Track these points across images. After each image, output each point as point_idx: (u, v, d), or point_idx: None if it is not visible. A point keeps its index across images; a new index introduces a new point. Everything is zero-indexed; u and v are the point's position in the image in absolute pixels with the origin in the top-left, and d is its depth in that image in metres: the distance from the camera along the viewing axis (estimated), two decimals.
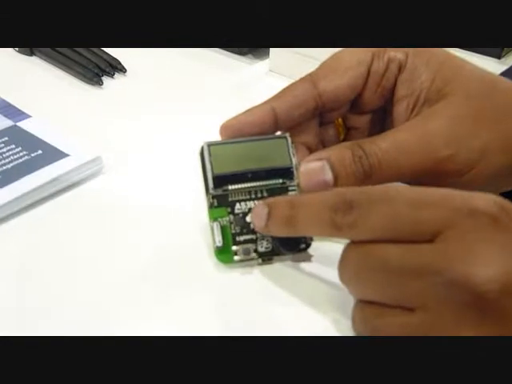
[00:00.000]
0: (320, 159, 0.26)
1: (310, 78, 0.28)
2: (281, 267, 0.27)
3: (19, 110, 0.37)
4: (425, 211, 0.20)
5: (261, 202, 0.26)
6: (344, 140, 0.31)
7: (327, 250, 0.28)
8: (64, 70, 0.44)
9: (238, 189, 0.27)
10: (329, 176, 0.26)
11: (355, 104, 0.29)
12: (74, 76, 0.43)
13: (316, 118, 0.29)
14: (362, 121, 0.30)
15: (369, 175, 0.25)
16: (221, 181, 0.27)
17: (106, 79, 0.43)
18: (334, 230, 0.22)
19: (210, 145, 0.27)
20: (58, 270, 0.27)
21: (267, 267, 0.27)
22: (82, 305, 0.25)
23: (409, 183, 0.26)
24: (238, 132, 0.27)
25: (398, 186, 0.26)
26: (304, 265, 0.27)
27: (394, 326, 0.21)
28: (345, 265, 0.22)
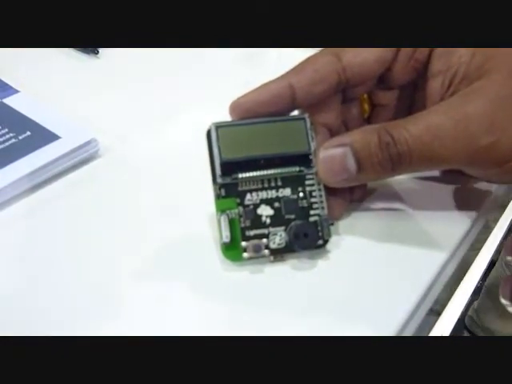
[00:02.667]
0: (342, 145, 0.27)
1: (333, 50, 0.28)
2: (295, 266, 0.28)
3: (6, 85, 0.38)
4: None
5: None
6: (369, 118, 0.32)
7: (346, 247, 0.29)
8: None
9: (249, 177, 0.28)
10: (352, 165, 0.27)
11: (383, 78, 0.30)
12: None
13: (338, 94, 0.29)
14: (389, 97, 0.31)
15: (397, 165, 0.26)
16: (230, 168, 0.27)
17: (102, 48, 0.44)
18: None
19: (218, 126, 0.27)
20: (52, 264, 0.28)
21: (280, 265, 0.28)
22: (76, 300, 0.26)
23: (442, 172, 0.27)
24: (249, 112, 0.28)
25: None
26: (321, 263, 0.28)
27: None
28: None
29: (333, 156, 0.27)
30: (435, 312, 0.91)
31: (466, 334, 1.11)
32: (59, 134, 0.34)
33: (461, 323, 1.06)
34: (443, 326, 0.89)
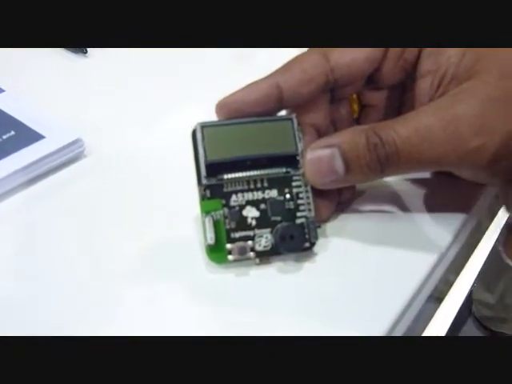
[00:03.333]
0: (329, 146, 0.27)
1: (321, 49, 0.28)
2: (281, 268, 0.28)
3: None
4: None
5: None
6: (358, 119, 0.31)
7: (333, 250, 0.28)
8: None
9: (235, 178, 0.27)
10: (339, 166, 0.26)
11: (372, 78, 0.29)
12: None
13: (327, 94, 0.29)
14: (378, 97, 0.31)
15: (386, 166, 0.26)
16: (215, 168, 0.27)
17: (91, 47, 0.43)
18: None
19: (203, 126, 0.27)
20: (34, 268, 0.28)
21: (266, 268, 0.27)
22: (59, 303, 0.26)
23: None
24: (236, 111, 0.27)
25: None
26: (307, 266, 0.28)
27: None
28: None
29: (320, 157, 0.27)
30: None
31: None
32: (44, 134, 0.34)
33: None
34: (435, 328, 0.89)
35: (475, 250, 0.95)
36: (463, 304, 1.01)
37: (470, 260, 0.98)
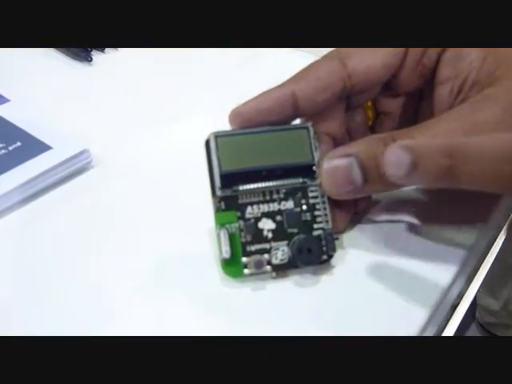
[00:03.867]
0: (346, 155, 0.26)
1: (338, 55, 0.28)
2: (298, 282, 0.27)
3: None
4: None
5: (396, 144, 0.23)
6: (373, 127, 0.31)
7: (351, 262, 0.28)
8: None
9: (250, 189, 0.27)
10: (357, 176, 0.25)
11: (389, 85, 0.29)
12: (59, 51, 0.43)
13: (342, 102, 0.29)
14: (394, 105, 0.30)
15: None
16: (230, 179, 0.26)
17: (95, 54, 0.43)
18: None
19: (217, 136, 0.26)
20: (43, 277, 0.27)
21: (282, 282, 0.27)
22: (67, 315, 0.25)
23: None
24: (250, 120, 0.27)
25: None
26: (325, 279, 0.27)
27: None
28: None
29: (337, 167, 0.26)
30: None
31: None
32: (51, 145, 0.33)
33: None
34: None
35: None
36: (468, 309, 1.01)
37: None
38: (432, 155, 0.23)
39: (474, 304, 1.11)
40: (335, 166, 0.26)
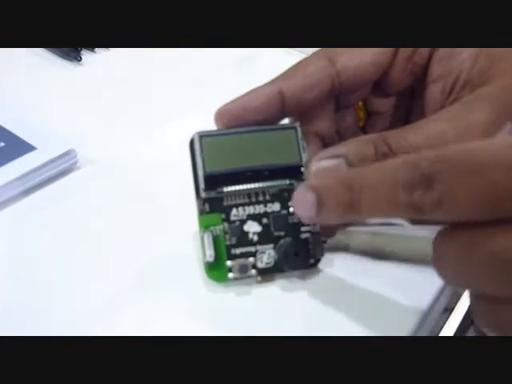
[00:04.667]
0: (335, 156, 0.25)
1: (326, 54, 0.27)
2: (284, 286, 0.26)
3: None
4: None
5: (302, 185, 0.23)
6: (364, 127, 0.30)
7: (340, 266, 0.27)
8: None
9: (236, 191, 0.26)
10: None
11: (379, 84, 0.28)
12: (48, 50, 0.43)
13: (332, 101, 0.28)
14: (386, 104, 0.29)
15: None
16: (214, 181, 0.26)
17: (85, 54, 0.42)
18: (412, 211, 0.20)
19: (201, 136, 0.26)
20: (30, 280, 0.27)
21: (268, 286, 0.26)
22: (54, 316, 0.25)
23: None
24: (236, 120, 0.26)
25: (483, 145, 0.21)
26: (312, 283, 0.27)
27: None
28: (443, 263, 0.21)
29: (326, 168, 0.25)
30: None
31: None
32: (35, 145, 0.33)
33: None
34: None
35: None
36: (466, 313, 1.00)
37: None
38: (333, 191, 0.22)
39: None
40: (324, 168, 0.25)
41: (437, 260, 0.21)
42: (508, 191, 0.18)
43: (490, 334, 0.22)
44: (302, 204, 0.23)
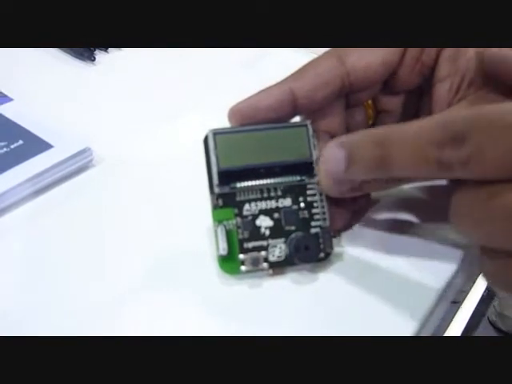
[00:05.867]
0: (338, 144, 0.26)
1: (336, 53, 0.28)
2: (295, 279, 0.27)
3: (0, 93, 0.38)
4: None
5: (332, 142, 0.24)
6: (373, 125, 0.31)
7: (349, 260, 0.28)
8: None
9: (248, 186, 0.27)
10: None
11: (388, 83, 0.29)
12: (62, 50, 0.44)
13: (342, 100, 0.29)
14: (394, 103, 0.30)
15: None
16: (228, 177, 0.27)
17: (99, 54, 0.43)
18: (441, 169, 0.21)
19: (215, 133, 0.27)
20: (46, 277, 0.28)
21: (279, 279, 0.27)
22: (69, 312, 0.26)
23: None
24: (249, 118, 0.27)
25: None
26: (322, 277, 0.27)
27: None
28: (460, 216, 0.22)
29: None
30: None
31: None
32: (52, 143, 0.34)
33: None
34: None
35: None
36: (477, 307, 1.00)
37: None
38: (364, 147, 0.23)
39: (483, 302, 1.09)
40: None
41: (454, 212, 0.22)
42: None
43: (500, 292, 0.22)
44: (332, 160, 0.24)
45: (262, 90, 0.28)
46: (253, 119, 0.27)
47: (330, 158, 0.24)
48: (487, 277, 0.22)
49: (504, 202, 0.20)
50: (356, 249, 0.29)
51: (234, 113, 0.27)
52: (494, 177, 0.20)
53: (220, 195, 0.27)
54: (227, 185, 0.27)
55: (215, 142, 0.27)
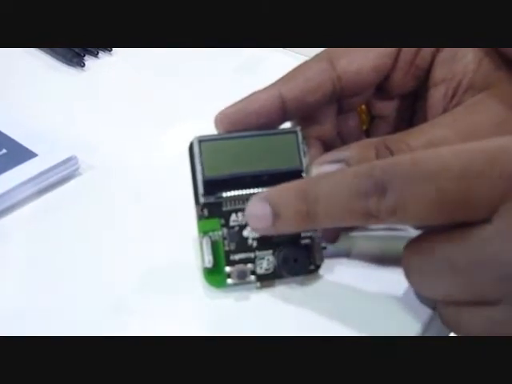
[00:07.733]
0: (337, 160, 0.26)
1: (327, 56, 0.28)
2: (284, 293, 0.27)
3: None
4: (475, 183, 0.20)
5: (255, 198, 0.24)
6: (367, 131, 0.31)
7: (340, 272, 0.27)
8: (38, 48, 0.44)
9: (235, 196, 0.26)
10: None
11: (382, 87, 0.29)
12: (51, 55, 0.43)
13: (333, 105, 0.28)
14: (388, 108, 0.30)
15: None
16: (213, 186, 0.26)
17: (88, 59, 0.43)
18: (368, 219, 0.21)
19: (201, 140, 0.26)
20: (28, 287, 0.27)
21: (267, 292, 0.27)
22: (51, 323, 0.25)
23: None
24: (236, 123, 0.27)
25: (433, 152, 0.22)
26: (312, 290, 0.27)
27: (476, 322, 0.22)
28: (408, 271, 0.23)
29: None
30: None
31: None
32: (36, 152, 0.33)
33: None
34: None
35: None
36: None
37: None
38: (288, 203, 0.23)
39: None
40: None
41: (404, 270, 0.23)
42: (457, 198, 0.20)
43: (456, 334, 0.23)
44: (257, 216, 0.24)
45: (250, 95, 0.27)
46: (241, 125, 0.27)
47: (256, 214, 0.24)
48: (443, 321, 0.23)
49: (441, 256, 0.21)
50: (347, 261, 0.28)
51: (220, 118, 0.27)
52: (422, 224, 0.21)
53: (205, 205, 0.26)
54: (213, 194, 0.26)
55: (200, 149, 0.26)
